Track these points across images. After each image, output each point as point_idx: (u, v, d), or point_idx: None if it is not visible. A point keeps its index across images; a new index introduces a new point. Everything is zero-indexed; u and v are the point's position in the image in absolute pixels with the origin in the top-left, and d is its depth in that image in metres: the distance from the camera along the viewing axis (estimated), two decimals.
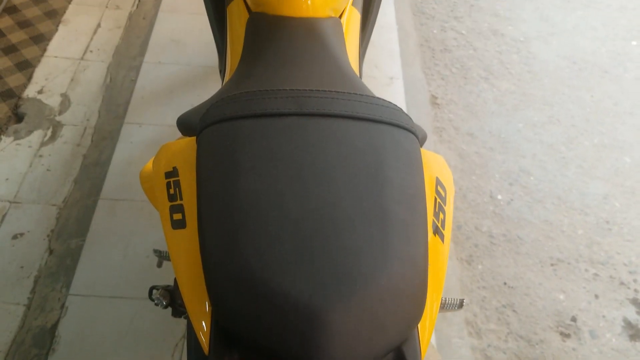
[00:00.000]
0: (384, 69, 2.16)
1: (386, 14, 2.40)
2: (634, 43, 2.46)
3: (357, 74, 1.11)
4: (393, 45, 2.27)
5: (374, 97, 0.70)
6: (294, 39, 0.91)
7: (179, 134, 1.88)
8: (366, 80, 2.11)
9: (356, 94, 0.70)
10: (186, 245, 0.63)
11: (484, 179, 1.87)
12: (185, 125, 0.76)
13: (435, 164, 0.72)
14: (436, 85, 2.18)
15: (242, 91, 0.69)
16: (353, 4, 1.09)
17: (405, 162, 0.65)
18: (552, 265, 1.70)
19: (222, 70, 1.20)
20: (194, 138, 0.70)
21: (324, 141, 0.64)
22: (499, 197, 1.84)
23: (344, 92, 0.69)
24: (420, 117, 2.02)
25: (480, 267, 1.68)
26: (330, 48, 0.91)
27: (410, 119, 0.72)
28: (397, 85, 2.11)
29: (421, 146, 0.74)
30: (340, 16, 1.04)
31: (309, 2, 0.96)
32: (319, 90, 0.68)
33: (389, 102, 0.72)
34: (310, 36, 0.92)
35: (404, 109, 2.01)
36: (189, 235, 0.63)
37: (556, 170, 1.93)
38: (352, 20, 1.09)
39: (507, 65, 2.29)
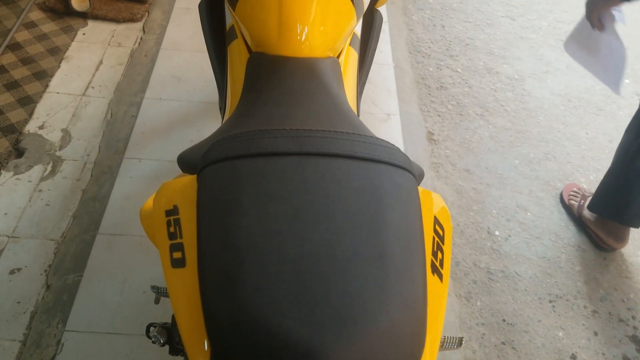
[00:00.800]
0: (382, 106, 2.19)
1: (383, 52, 2.44)
2: (626, 81, 2.50)
3: (355, 112, 1.13)
4: (390, 82, 2.31)
5: (371, 136, 0.72)
6: (293, 78, 0.93)
7: (179, 170, 1.89)
8: (364, 117, 2.13)
9: (354, 133, 0.71)
10: (185, 284, 0.64)
11: (482, 215, 1.88)
12: (186, 162, 0.77)
13: (433, 203, 0.73)
14: (433, 122, 2.21)
15: (242, 130, 0.70)
16: (351, 44, 1.12)
17: (404, 203, 0.66)
18: (550, 302, 1.69)
19: (223, 108, 1.22)
20: (194, 176, 0.71)
21: (323, 181, 0.65)
22: (497, 233, 1.84)
23: (343, 132, 0.70)
24: (417, 153, 2.04)
25: (479, 303, 1.67)
26: (329, 87, 0.93)
27: (408, 158, 0.74)
28: (394, 121, 2.14)
29: (419, 183, 0.75)
30: (339, 56, 1.06)
31: (308, 42, 0.98)
32: (318, 130, 0.70)
33: (387, 141, 0.73)
34: (310, 76, 0.94)
35: (401, 145, 2.03)
36: (189, 274, 0.64)
37: (553, 207, 1.94)
38: (350, 60, 1.12)
39: (503, 102, 2.32)
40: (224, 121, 1.10)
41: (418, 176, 0.75)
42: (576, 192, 1.95)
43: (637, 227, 1.81)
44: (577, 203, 1.93)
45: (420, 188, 0.72)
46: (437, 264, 0.68)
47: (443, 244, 0.70)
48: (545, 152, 2.12)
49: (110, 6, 2.46)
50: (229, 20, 1.14)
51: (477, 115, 2.25)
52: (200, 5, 1.35)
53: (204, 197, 0.65)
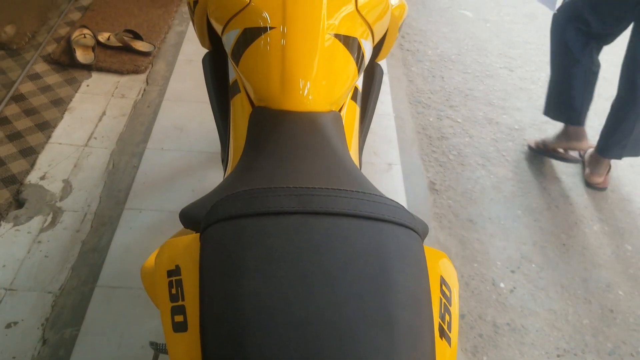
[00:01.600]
0: (383, 156, 2.19)
1: (383, 103, 2.47)
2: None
3: (358, 165, 1.13)
4: (391, 132, 2.32)
5: (375, 194, 0.71)
6: (295, 133, 0.93)
7: (179, 221, 1.88)
8: (365, 167, 2.13)
9: (358, 191, 0.70)
10: (188, 349, 0.62)
11: (486, 266, 1.86)
12: (189, 218, 0.76)
13: (439, 262, 0.72)
14: (434, 172, 2.21)
15: (246, 189, 0.69)
16: (352, 97, 1.12)
17: (410, 264, 0.65)
18: (558, 356, 1.65)
19: (225, 160, 1.22)
20: (197, 235, 0.70)
21: (327, 241, 0.64)
22: (502, 285, 1.81)
23: (347, 190, 0.70)
24: (420, 204, 2.03)
25: (485, 358, 1.63)
26: (331, 141, 0.93)
27: (412, 216, 0.73)
28: (395, 171, 2.14)
29: (423, 240, 0.74)
30: (340, 110, 1.07)
31: (310, 97, 0.98)
32: (321, 188, 0.69)
33: (391, 199, 0.72)
34: (312, 130, 0.94)
35: (403, 195, 2.03)
36: (191, 339, 0.62)
37: (558, 258, 1.92)
38: (351, 114, 1.12)
39: (504, 152, 2.33)
40: (226, 175, 1.10)
41: (423, 233, 0.74)
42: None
43: (582, 125, 2.20)
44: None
45: (425, 246, 0.71)
46: (445, 327, 0.66)
47: (450, 305, 0.68)
48: (548, 203, 2.12)
49: (115, 58, 2.50)
50: (232, 75, 1.15)
51: (479, 165, 2.25)
52: (204, 60, 1.37)
53: (207, 257, 0.64)
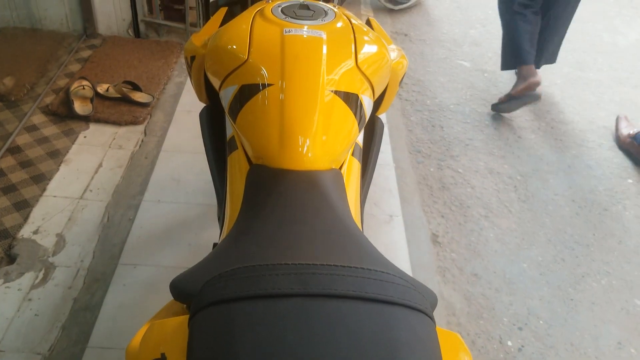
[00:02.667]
0: (384, 207, 2.15)
1: (383, 153, 2.45)
2: (629, 181, 2.49)
3: (359, 224, 1.09)
4: (391, 183, 2.29)
5: (383, 272, 0.66)
6: (294, 193, 0.89)
7: (175, 275, 1.82)
8: (366, 218, 2.09)
9: (364, 268, 0.65)
10: None
11: (492, 323, 1.79)
12: (179, 292, 0.71)
13: (452, 347, 0.66)
14: (436, 224, 2.16)
15: (240, 265, 0.64)
16: (352, 153, 1.09)
17: (422, 353, 0.59)
18: None
19: (221, 218, 1.18)
20: (185, 318, 0.65)
21: (330, 329, 0.58)
22: (509, 343, 1.74)
23: (351, 267, 0.64)
24: (422, 257, 1.98)
25: None
26: (332, 202, 0.89)
27: (422, 290, 0.67)
28: (397, 223, 2.09)
29: (433, 310, 0.69)
30: (341, 167, 1.03)
31: (310, 155, 0.95)
32: (323, 265, 0.64)
33: (400, 276, 0.66)
34: (311, 190, 0.91)
35: (405, 248, 1.98)
36: None
37: (566, 314, 1.85)
38: (352, 170, 1.08)
39: (506, 203, 2.29)
40: (221, 237, 1.06)
41: (432, 305, 0.68)
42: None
43: (531, 63, 2.70)
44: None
45: (438, 328, 0.65)
46: None
47: None
48: (553, 255, 2.06)
49: (113, 109, 2.49)
50: (230, 131, 1.12)
51: (482, 216, 2.21)
52: (201, 114, 1.34)
53: (195, 348, 0.58)
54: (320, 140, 0.96)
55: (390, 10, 3.84)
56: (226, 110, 1.06)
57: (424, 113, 2.84)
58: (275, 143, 0.95)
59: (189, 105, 2.60)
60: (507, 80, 3.18)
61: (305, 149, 0.95)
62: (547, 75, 3.24)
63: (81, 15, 2.97)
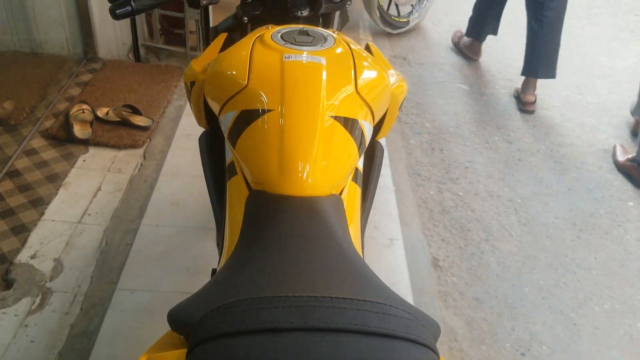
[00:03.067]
0: (384, 230, 2.14)
1: (383, 176, 2.44)
2: (630, 204, 2.48)
3: (360, 250, 1.08)
4: (391, 206, 2.28)
5: (385, 304, 0.64)
6: (294, 220, 0.88)
7: (172, 301, 1.80)
8: (367, 242, 2.08)
9: (366, 300, 0.63)
10: None
11: (495, 349, 1.77)
12: (176, 323, 0.70)
13: None
14: (437, 247, 2.15)
15: (240, 297, 0.63)
16: (353, 178, 1.08)
17: None
18: None
19: (220, 244, 1.17)
20: (183, 353, 0.63)
21: None
22: None
23: (353, 300, 0.63)
24: (423, 281, 1.96)
25: None
26: (332, 229, 0.88)
27: (427, 330, 0.65)
28: (397, 246, 2.08)
29: (436, 341, 0.68)
30: (341, 192, 1.03)
31: (310, 180, 0.94)
32: (324, 297, 0.62)
33: (402, 308, 0.65)
34: (312, 216, 0.90)
35: (406, 272, 1.96)
36: None
37: (569, 339, 1.83)
38: (352, 196, 1.08)
39: (507, 226, 2.28)
40: (220, 264, 1.04)
41: (435, 336, 0.67)
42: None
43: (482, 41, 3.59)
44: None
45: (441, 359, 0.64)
46: None
47: None
48: (555, 279, 2.05)
49: (113, 133, 2.49)
50: (229, 156, 1.11)
51: (482, 239, 2.19)
52: (200, 139, 1.34)
53: None
54: (320, 166, 0.95)
55: (389, 34, 3.87)
56: (226, 136, 1.06)
57: (424, 136, 2.84)
58: (275, 168, 0.95)
59: (189, 129, 2.61)
60: (505, 102, 3.19)
61: (305, 174, 0.94)
62: (545, 99, 3.25)
63: (82, 40, 2.99)
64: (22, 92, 2.67)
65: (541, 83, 3.17)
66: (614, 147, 2.84)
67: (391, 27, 3.84)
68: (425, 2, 3.95)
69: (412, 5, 3.93)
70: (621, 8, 4.71)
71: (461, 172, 2.59)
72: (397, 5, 3.87)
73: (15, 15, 2.90)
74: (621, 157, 2.74)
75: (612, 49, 3.97)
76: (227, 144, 1.09)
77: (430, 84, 3.34)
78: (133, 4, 1.07)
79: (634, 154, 2.66)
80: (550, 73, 3.08)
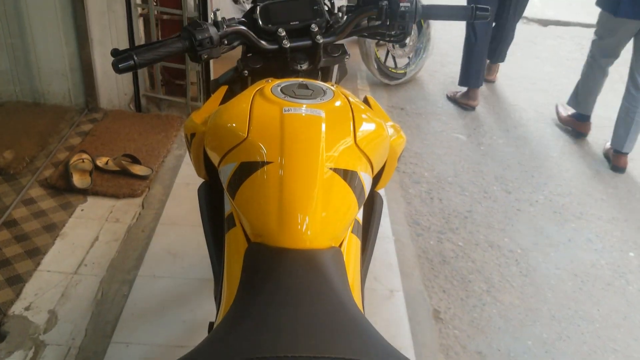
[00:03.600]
0: (384, 281, 2.11)
1: (382, 226, 2.42)
2: (631, 254, 2.46)
3: (360, 303, 1.06)
4: (391, 257, 2.26)
5: None
6: (293, 274, 0.87)
7: (168, 356, 1.76)
8: (366, 294, 2.04)
9: None
10: None
11: None
12: None
13: None
14: (438, 299, 2.12)
15: (238, 358, 0.61)
16: (352, 230, 1.08)
17: None
18: None
19: (218, 298, 1.15)
20: None
21: None
22: None
23: None
24: (424, 334, 1.93)
25: None
26: (332, 283, 0.87)
27: None
28: (397, 298, 2.05)
29: None
30: (340, 245, 1.02)
31: (309, 232, 0.94)
32: (324, 358, 0.61)
33: None
34: (311, 270, 0.89)
35: (407, 325, 1.93)
36: None
37: None
38: (352, 247, 1.07)
39: (508, 277, 2.25)
40: (218, 316, 1.03)
41: None
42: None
43: (478, 86, 3.71)
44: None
45: None
46: None
47: None
48: (558, 332, 2.01)
49: (112, 182, 2.49)
50: (228, 207, 1.11)
51: (483, 291, 2.17)
52: (199, 190, 1.34)
53: None
54: (319, 218, 0.95)
55: (387, 85, 3.93)
56: (225, 187, 1.06)
57: (422, 185, 2.85)
58: (274, 220, 0.94)
59: (188, 178, 2.61)
60: (505, 153, 3.21)
61: (304, 226, 0.93)
62: (541, 149, 3.28)
63: (84, 90, 3.03)
64: (22, 142, 2.69)
65: (537, 134, 3.19)
66: (556, 106, 3.60)
67: (389, 78, 3.90)
68: (421, 54, 4.03)
69: (409, 57, 4.01)
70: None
71: (461, 221, 2.58)
72: (394, 58, 3.95)
73: (19, 66, 2.95)
74: (563, 113, 3.52)
75: (606, 100, 4.03)
76: (227, 196, 1.08)
77: (428, 134, 3.37)
78: (136, 58, 1.09)
79: (574, 111, 3.44)
80: (503, 58, 4.03)
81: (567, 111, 3.56)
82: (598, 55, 3.22)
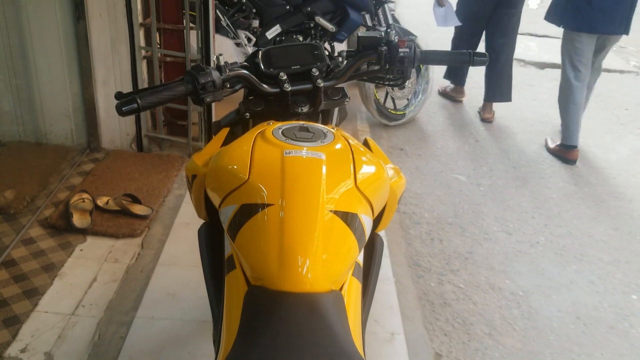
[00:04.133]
0: (384, 324, 2.09)
1: (383, 267, 2.41)
2: (634, 297, 2.44)
3: (360, 346, 1.05)
4: (392, 299, 2.24)
5: None
6: (294, 318, 0.86)
7: None
8: (367, 337, 2.01)
9: None
10: None
11: None
12: None
13: None
14: (439, 342, 2.09)
15: None
16: (353, 273, 1.07)
17: None
18: None
19: (217, 341, 1.14)
20: None
21: None
22: None
23: None
24: None
25: None
26: (333, 327, 0.86)
27: None
28: (399, 341, 2.02)
29: None
30: (341, 288, 1.01)
31: (310, 276, 0.93)
32: None
33: None
34: (312, 314, 0.88)
35: None
36: None
37: None
38: (353, 291, 1.06)
39: (510, 320, 2.23)
40: None
41: None
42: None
43: (462, 85, 4.55)
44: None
45: None
46: None
47: None
48: None
49: (111, 222, 2.49)
50: (228, 249, 1.11)
51: (485, 334, 2.14)
52: (199, 231, 1.34)
53: None
54: (320, 261, 0.94)
55: (386, 126, 3.96)
56: (225, 229, 1.06)
57: (423, 226, 2.84)
58: (274, 263, 0.94)
59: (188, 218, 2.61)
60: (505, 194, 3.22)
61: (305, 270, 0.93)
62: (541, 190, 3.29)
63: (86, 130, 3.06)
64: (24, 181, 2.70)
65: (536, 175, 3.20)
66: (545, 140, 3.88)
67: (388, 119, 3.94)
68: (420, 96, 4.08)
69: (408, 99, 4.06)
70: (611, 102, 4.87)
71: (461, 263, 2.57)
72: (393, 99, 4.00)
73: (23, 106, 2.98)
74: (552, 145, 3.78)
75: (605, 143, 4.06)
76: (227, 238, 1.08)
77: (427, 175, 3.38)
78: (139, 101, 1.10)
79: (560, 142, 3.70)
80: (508, 97, 4.23)
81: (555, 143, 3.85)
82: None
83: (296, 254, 0.94)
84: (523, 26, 4.39)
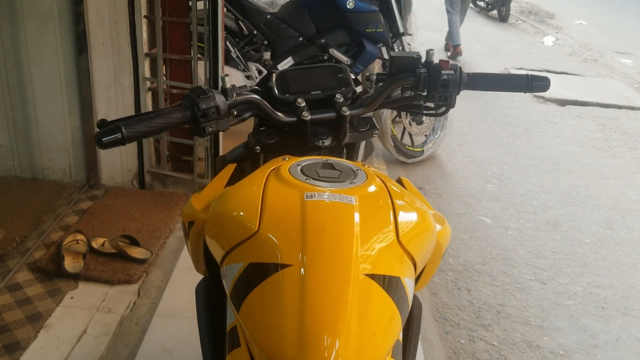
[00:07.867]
0: None
1: None
2: None
3: None
4: (419, 358, 1.98)
5: None
6: None
7: None
8: None
9: None
10: None
11: None
12: None
13: None
14: None
15: None
16: (393, 354, 0.83)
17: None
18: None
19: None
20: None
21: None
22: None
23: None
24: None
25: None
26: None
27: None
28: None
29: None
30: None
31: None
32: None
33: None
34: None
35: None
36: None
37: None
38: None
39: None
40: None
41: None
42: None
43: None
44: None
45: None
46: None
47: None
48: None
49: (106, 266, 2.27)
50: (231, 319, 0.87)
51: None
52: (197, 289, 1.11)
53: None
54: (353, 342, 0.71)
55: (403, 163, 3.75)
56: (228, 294, 0.83)
57: (448, 274, 2.60)
58: (292, 345, 0.71)
59: (190, 262, 2.33)
60: (535, 238, 2.97)
61: (333, 353, 0.70)
62: (574, 234, 3.04)
63: (85, 166, 2.86)
64: (14, 220, 2.49)
65: (566, 218, 2.96)
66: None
67: (405, 156, 3.73)
68: (439, 132, 3.88)
69: (425, 135, 3.86)
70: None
71: (493, 317, 2.31)
72: (410, 135, 3.80)
73: (19, 140, 2.80)
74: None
75: (637, 183, 3.81)
76: (230, 306, 0.85)
77: (450, 216, 3.14)
78: (124, 130, 0.89)
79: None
80: None
81: None
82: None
83: (321, 332, 0.71)
84: (540, 63, 4.24)
